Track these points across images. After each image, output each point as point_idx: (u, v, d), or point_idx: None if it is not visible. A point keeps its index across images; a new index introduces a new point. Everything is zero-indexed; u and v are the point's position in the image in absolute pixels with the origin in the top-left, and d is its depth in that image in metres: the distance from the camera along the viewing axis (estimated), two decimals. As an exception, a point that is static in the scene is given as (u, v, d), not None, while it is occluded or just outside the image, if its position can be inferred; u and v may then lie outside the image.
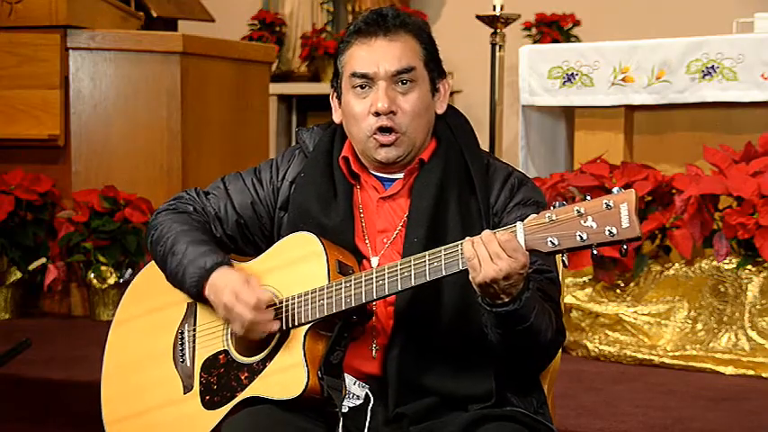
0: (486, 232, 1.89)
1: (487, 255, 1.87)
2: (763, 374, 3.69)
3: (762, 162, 3.81)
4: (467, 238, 1.91)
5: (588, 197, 1.86)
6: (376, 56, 2.12)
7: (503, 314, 1.93)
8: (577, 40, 7.90)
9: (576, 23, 8.09)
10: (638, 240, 1.81)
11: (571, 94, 4.67)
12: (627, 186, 3.98)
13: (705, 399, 3.45)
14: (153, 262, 2.33)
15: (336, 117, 2.25)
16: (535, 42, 7.95)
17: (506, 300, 1.92)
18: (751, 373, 3.72)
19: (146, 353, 2.30)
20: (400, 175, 2.19)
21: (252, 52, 5.37)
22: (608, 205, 1.81)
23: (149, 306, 2.32)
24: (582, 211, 1.83)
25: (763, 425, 3.21)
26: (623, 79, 4.51)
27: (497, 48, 5.41)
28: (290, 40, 8.81)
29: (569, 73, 4.65)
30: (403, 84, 2.12)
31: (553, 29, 8.04)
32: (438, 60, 2.20)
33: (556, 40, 7.79)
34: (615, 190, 1.83)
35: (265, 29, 8.71)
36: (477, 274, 1.89)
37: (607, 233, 1.80)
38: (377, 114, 2.11)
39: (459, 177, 2.16)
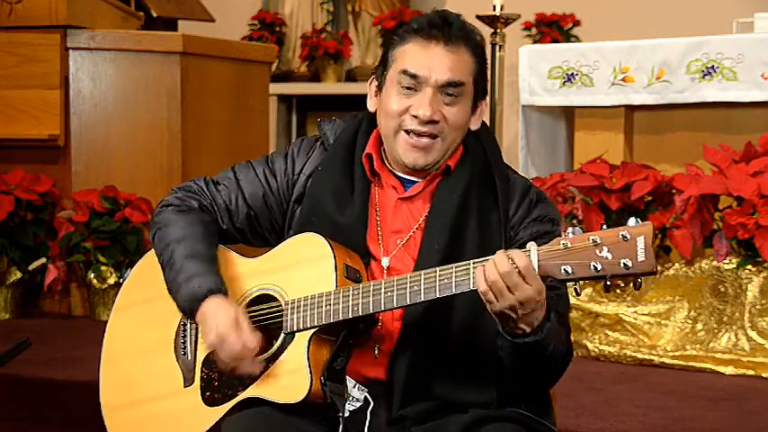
0: (501, 259, 1.85)
1: (503, 285, 1.85)
2: (763, 374, 3.69)
3: (762, 162, 3.80)
4: (480, 260, 1.89)
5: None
6: (431, 61, 2.09)
7: (523, 345, 1.92)
8: (577, 40, 7.89)
9: (576, 23, 8.08)
10: (653, 275, 1.79)
11: (571, 94, 4.66)
12: (627, 187, 4.00)
13: (705, 399, 3.45)
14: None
15: (371, 105, 2.21)
16: (535, 42, 7.94)
17: (528, 330, 1.90)
18: (751, 373, 3.72)
19: (146, 341, 2.28)
20: (422, 178, 2.17)
21: (252, 52, 5.37)
22: (624, 237, 1.79)
23: (152, 294, 2.29)
24: (598, 240, 1.81)
25: (764, 425, 3.20)
26: (623, 79, 4.51)
27: (497, 48, 5.41)
28: (290, 40, 8.80)
29: (569, 73, 4.65)
30: (449, 96, 2.11)
31: (553, 29, 8.03)
32: (485, 80, 2.18)
33: (556, 40, 7.79)
34: (632, 221, 1.81)
35: (265, 29, 8.70)
36: (493, 305, 1.88)
37: (622, 266, 1.79)
38: (415, 117, 2.09)
39: (482, 187, 2.14)
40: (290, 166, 2.26)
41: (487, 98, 2.23)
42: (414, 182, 2.18)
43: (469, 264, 1.91)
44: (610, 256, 1.80)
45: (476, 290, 1.90)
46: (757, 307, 3.76)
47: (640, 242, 1.78)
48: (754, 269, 3.78)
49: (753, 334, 3.75)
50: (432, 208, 2.14)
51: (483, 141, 2.21)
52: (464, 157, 2.18)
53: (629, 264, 1.78)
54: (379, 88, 2.18)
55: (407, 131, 2.11)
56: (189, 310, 2.14)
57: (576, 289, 1.88)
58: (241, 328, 2.06)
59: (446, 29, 2.11)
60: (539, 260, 1.85)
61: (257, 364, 2.08)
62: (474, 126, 2.19)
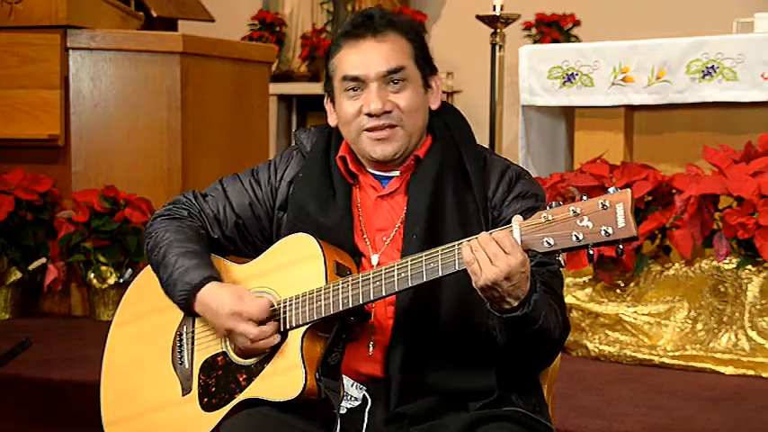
0: (483, 234, 1.89)
1: (486, 257, 1.87)
2: (763, 374, 3.69)
3: (762, 162, 3.80)
4: (464, 241, 1.91)
5: (586, 197, 1.86)
6: (365, 57, 2.12)
7: (512, 319, 1.93)
8: (577, 40, 7.90)
9: (576, 23, 8.09)
10: (634, 240, 1.81)
11: (571, 94, 4.66)
12: (627, 186, 4.00)
13: (705, 399, 3.46)
14: None
15: (332, 120, 2.25)
16: (535, 42, 7.95)
17: (515, 304, 1.91)
18: (751, 373, 3.72)
19: (144, 355, 2.30)
20: (397, 173, 2.19)
21: (252, 52, 5.38)
22: (604, 205, 1.81)
23: (148, 308, 2.32)
24: (578, 210, 1.83)
25: (764, 425, 3.21)
26: (623, 79, 4.51)
27: (497, 48, 5.41)
28: (290, 40, 8.81)
29: (569, 73, 4.65)
30: (394, 83, 2.13)
31: (553, 29, 8.04)
32: (428, 57, 2.20)
33: (556, 40, 7.79)
34: (611, 190, 1.82)
35: (265, 29, 8.71)
36: (478, 278, 1.88)
37: (603, 233, 1.80)
38: (369, 115, 2.12)
39: (455, 172, 2.16)
40: (273, 174, 2.30)
41: (439, 73, 2.24)
42: (390, 178, 2.20)
43: (454, 245, 1.93)
44: (590, 225, 1.81)
45: (463, 270, 1.91)
46: (757, 307, 3.76)
47: (620, 209, 1.80)
48: (754, 269, 3.78)
49: (753, 334, 3.75)
50: (408, 200, 2.16)
51: (451, 126, 2.22)
52: (433, 146, 2.20)
53: (610, 231, 1.80)
54: (333, 102, 2.22)
55: (367, 129, 2.14)
56: (187, 302, 2.16)
57: (558, 260, 1.88)
58: (246, 299, 2.09)
59: (369, 22, 2.14)
60: (521, 234, 1.87)
61: (276, 335, 2.08)
62: (434, 105, 2.21)
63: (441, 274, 1.94)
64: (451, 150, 2.19)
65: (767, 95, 4.21)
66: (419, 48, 2.17)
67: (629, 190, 1.82)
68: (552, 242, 1.84)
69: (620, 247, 1.82)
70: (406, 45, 2.15)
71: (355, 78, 2.13)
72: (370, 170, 2.21)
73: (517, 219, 1.89)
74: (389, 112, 2.12)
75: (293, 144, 2.36)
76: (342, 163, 2.21)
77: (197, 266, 2.17)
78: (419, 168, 2.17)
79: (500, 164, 2.20)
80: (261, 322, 2.08)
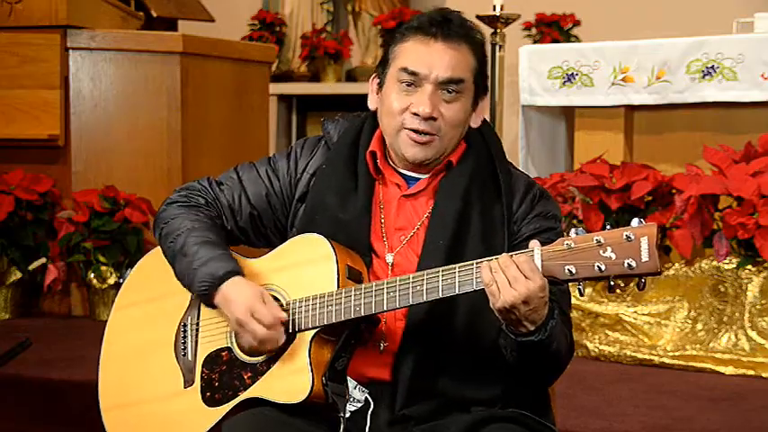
0: (504, 256, 1.88)
1: (506, 280, 1.86)
2: (763, 374, 3.69)
3: (762, 162, 3.80)
4: (484, 260, 1.90)
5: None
6: (431, 58, 2.09)
7: (527, 343, 1.92)
8: (577, 40, 7.89)
9: (576, 23, 8.08)
10: (656, 275, 1.79)
11: (571, 94, 4.66)
12: (627, 187, 4.00)
13: (705, 399, 3.45)
14: (158, 248, 2.29)
15: (372, 103, 2.21)
16: (535, 42, 7.94)
17: (531, 329, 1.90)
18: (751, 373, 3.72)
19: (146, 342, 2.27)
20: (425, 175, 2.17)
21: (252, 52, 5.37)
22: (628, 237, 1.79)
23: (152, 293, 2.29)
24: (602, 240, 1.81)
25: (764, 425, 3.21)
26: (623, 79, 4.51)
27: (497, 48, 5.41)
28: (290, 40, 8.80)
29: (569, 73, 4.65)
30: (449, 93, 2.11)
31: (553, 29, 8.03)
32: (486, 77, 2.19)
33: (556, 40, 7.79)
34: (635, 222, 1.81)
35: (265, 29, 8.70)
36: (496, 300, 1.87)
37: (626, 266, 1.79)
38: (415, 114, 2.10)
39: (485, 182, 2.15)
40: (293, 165, 2.26)
41: (488, 95, 2.23)
42: (417, 179, 2.18)
43: (473, 264, 1.91)
44: (613, 257, 1.80)
45: (479, 290, 1.90)
46: (757, 307, 3.76)
47: (644, 242, 1.78)
48: (754, 269, 3.78)
49: (753, 334, 3.75)
50: (435, 204, 2.14)
51: (486, 137, 2.22)
52: (466, 153, 2.18)
53: (633, 264, 1.78)
54: (381, 86, 2.18)
55: (409, 130, 2.11)
56: (207, 294, 2.13)
57: (579, 289, 1.88)
58: (267, 302, 2.07)
59: (446, 26, 2.11)
60: (542, 260, 1.85)
61: (283, 335, 2.07)
62: (474, 124, 2.19)
63: (457, 292, 1.93)
64: (484, 160, 2.17)
65: (767, 95, 4.21)
66: (481, 66, 2.16)
67: (654, 224, 1.80)
68: (574, 271, 1.83)
69: (643, 281, 1.81)
70: (472, 60, 2.13)
71: (414, 74, 2.10)
72: (399, 169, 2.19)
73: (535, 243, 1.88)
74: (435, 119, 2.10)
75: (315, 135, 2.32)
76: (371, 158, 2.18)
77: (220, 258, 2.13)
78: (450, 173, 2.16)
79: (524, 180, 2.20)
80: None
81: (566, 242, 1.84)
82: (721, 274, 3.84)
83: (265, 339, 2.06)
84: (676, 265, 3.96)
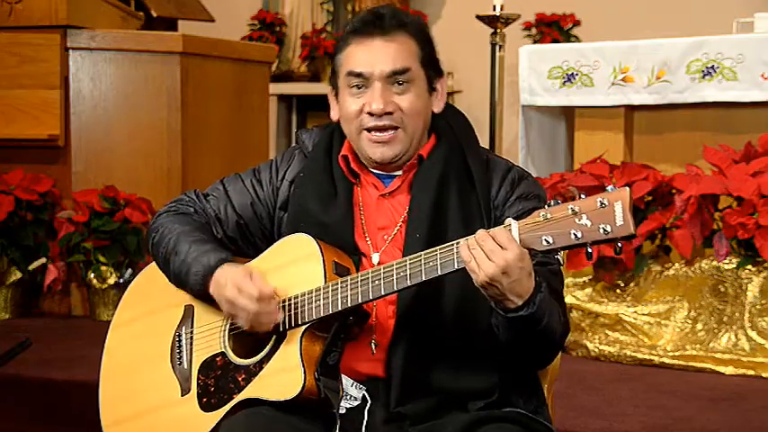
0: (480, 231, 1.89)
1: (483, 254, 1.87)
2: (763, 374, 3.69)
3: (762, 162, 3.81)
4: (463, 239, 1.91)
5: (585, 196, 1.86)
6: (372, 56, 2.12)
7: (517, 319, 1.93)
8: (577, 40, 7.90)
9: (576, 23, 8.10)
10: (632, 238, 1.81)
11: (571, 94, 4.66)
12: (627, 186, 4.00)
13: (705, 399, 3.45)
14: (150, 265, 2.34)
15: (334, 114, 2.26)
16: (535, 42, 7.95)
17: (519, 303, 1.91)
18: (751, 373, 3.72)
19: (143, 355, 2.30)
20: (399, 172, 2.19)
21: (252, 52, 5.38)
22: (602, 203, 1.81)
23: (147, 309, 2.33)
24: (576, 209, 1.83)
25: (764, 425, 3.21)
26: (623, 79, 4.51)
27: (497, 48, 5.41)
28: (290, 40, 8.81)
29: (569, 73, 4.65)
30: (399, 84, 2.13)
31: (553, 29, 8.04)
32: (435, 60, 2.20)
33: (556, 40, 7.79)
34: (609, 188, 1.83)
35: (265, 29, 8.71)
36: (477, 275, 1.89)
37: (601, 231, 1.80)
38: (371, 114, 2.12)
39: (458, 173, 2.16)
40: (274, 174, 2.30)
41: (445, 76, 2.24)
42: (392, 177, 2.20)
43: (452, 244, 1.93)
44: (589, 223, 1.81)
45: (462, 269, 1.91)
46: (757, 307, 3.76)
47: (618, 207, 1.80)
48: (754, 269, 3.78)
49: (753, 334, 3.75)
50: (411, 200, 2.16)
51: (455, 128, 2.23)
52: (437, 146, 2.20)
53: (609, 229, 1.80)
54: (336, 96, 2.22)
55: (368, 129, 2.14)
56: (201, 285, 2.16)
57: (557, 258, 1.89)
58: (255, 278, 2.09)
59: (379, 21, 2.14)
60: (519, 233, 1.87)
61: (278, 309, 2.08)
62: (437, 108, 2.21)
63: (440, 273, 1.94)
64: (455, 151, 2.19)
65: (767, 95, 4.21)
66: (426, 50, 2.17)
67: (627, 188, 1.82)
68: (551, 240, 1.85)
69: (619, 245, 1.83)
70: (413, 46, 2.15)
71: (360, 75, 2.13)
72: (371, 169, 2.21)
73: (511, 220, 1.89)
74: (391, 113, 2.12)
75: (294, 144, 2.37)
76: (344, 162, 2.21)
77: (212, 250, 2.17)
78: (422, 168, 2.17)
79: (503, 165, 2.21)
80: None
81: (541, 213, 1.86)
82: (721, 274, 3.84)
83: (259, 313, 2.07)
84: (676, 265, 3.96)
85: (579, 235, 1.82)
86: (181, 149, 4.77)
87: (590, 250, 1.84)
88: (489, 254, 1.87)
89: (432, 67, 2.18)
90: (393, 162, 2.17)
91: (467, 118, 2.27)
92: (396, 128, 2.13)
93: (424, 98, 2.17)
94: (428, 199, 2.13)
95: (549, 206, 1.87)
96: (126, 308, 2.39)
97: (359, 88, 2.14)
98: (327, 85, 2.29)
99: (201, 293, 2.19)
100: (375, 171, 2.21)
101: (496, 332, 2.02)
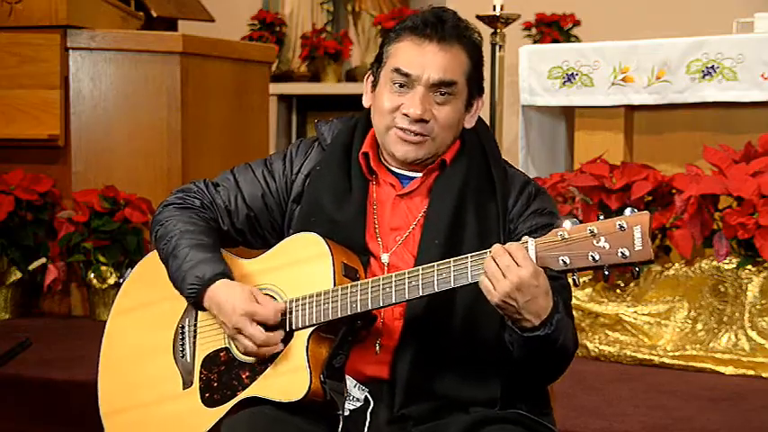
0: (496, 246, 1.88)
1: (498, 269, 1.86)
2: (763, 374, 3.69)
3: (762, 162, 3.80)
4: (476, 253, 1.90)
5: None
6: (424, 60, 2.09)
7: (534, 338, 1.92)
8: (577, 40, 7.90)
9: (576, 23, 8.09)
10: (650, 263, 1.80)
11: (571, 94, 4.66)
12: (627, 187, 4.00)
13: (705, 399, 3.45)
14: (155, 251, 2.30)
15: (366, 101, 2.22)
16: (535, 42, 7.94)
17: (536, 323, 1.90)
18: (751, 373, 3.72)
19: (145, 345, 2.28)
20: (419, 174, 2.17)
21: (252, 52, 5.37)
22: (621, 227, 1.80)
23: (150, 297, 2.30)
24: (595, 230, 1.82)
25: (764, 425, 3.21)
26: (623, 79, 4.51)
27: (497, 48, 5.41)
28: (290, 40, 8.81)
29: (569, 73, 4.65)
30: (441, 95, 2.10)
31: (553, 29, 8.03)
32: (481, 78, 2.18)
33: (556, 40, 7.79)
34: (628, 211, 1.81)
35: (265, 29, 8.71)
36: (492, 295, 1.87)
37: (620, 255, 1.80)
38: (405, 116, 2.10)
39: (480, 181, 2.15)
40: (288, 166, 2.27)
41: (484, 96, 2.22)
42: (411, 178, 2.18)
43: (467, 257, 1.92)
44: (607, 246, 1.81)
45: (474, 283, 1.90)
46: (757, 307, 3.76)
47: (637, 231, 1.79)
48: (754, 269, 3.78)
49: (753, 334, 3.75)
50: (430, 204, 2.14)
51: (481, 136, 2.21)
52: (460, 152, 2.18)
53: (627, 253, 1.80)
54: (375, 84, 2.19)
55: (398, 129, 2.11)
56: (196, 297, 2.14)
57: (574, 279, 1.88)
58: (261, 301, 2.08)
59: (440, 27, 2.10)
60: (536, 252, 1.86)
61: (280, 336, 2.07)
62: (468, 124, 2.19)
63: (452, 286, 1.93)
64: (478, 158, 2.17)
65: (767, 95, 4.21)
66: (475, 67, 2.15)
67: (647, 212, 1.81)
68: (568, 261, 1.84)
69: (637, 269, 1.82)
70: (465, 61, 2.12)
71: (407, 75, 2.10)
72: (391, 168, 2.19)
73: (528, 238, 1.88)
74: (426, 121, 2.10)
75: (310, 137, 2.32)
76: (363, 159, 2.19)
77: (209, 260, 2.14)
78: (445, 173, 2.15)
79: (521, 177, 2.20)
80: (269, 328, 2.07)
81: (559, 233, 1.85)
82: (721, 274, 3.84)
83: (264, 342, 2.06)
84: (676, 265, 3.96)
85: (597, 257, 1.82)
86: (181, 149, 4.76)
87: (607, 273, 1.83)
88: (505, 270, 1.85)
89: (475, 84, 2.16)
90: (415, 162, 2.15)
91: (491, 130, 2.26)
92: (425, 135, 2.11)
93: (460, 113, 2.15)
94: (448, 206, 2.11)
95: (568, 225, 1.84)
96: (128, 295, 2.36)
97: (401, 87, 2.11)
98: (368, 68, 2.22)
99: (196, 306, 2.18)
100: (394, 170, 2.19)
101: (510, 348, 2.00)
